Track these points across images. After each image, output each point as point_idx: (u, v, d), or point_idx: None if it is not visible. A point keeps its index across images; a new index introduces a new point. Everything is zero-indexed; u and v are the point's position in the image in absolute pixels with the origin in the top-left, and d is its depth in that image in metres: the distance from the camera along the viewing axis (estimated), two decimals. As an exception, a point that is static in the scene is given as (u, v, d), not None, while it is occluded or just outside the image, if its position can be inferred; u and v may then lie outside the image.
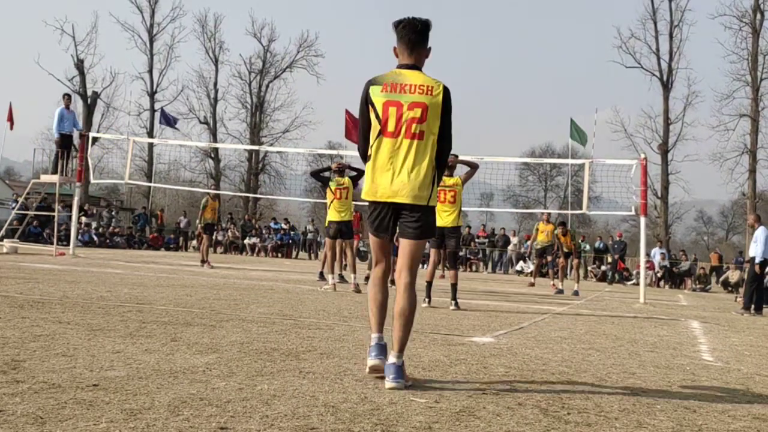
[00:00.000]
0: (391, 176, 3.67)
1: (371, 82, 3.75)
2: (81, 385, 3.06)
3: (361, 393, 3.28)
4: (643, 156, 13.66)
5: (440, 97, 3.68)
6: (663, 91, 37.60)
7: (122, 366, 3.54)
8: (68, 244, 18.19)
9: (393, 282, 4.04)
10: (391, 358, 3.55)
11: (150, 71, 43.80)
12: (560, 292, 14.92)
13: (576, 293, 14.36)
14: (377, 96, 3.71)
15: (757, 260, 12.39)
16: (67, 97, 16.94)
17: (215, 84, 45.84)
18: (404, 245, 3.77)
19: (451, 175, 8.93)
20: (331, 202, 10.62)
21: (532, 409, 3.21)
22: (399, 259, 3.78)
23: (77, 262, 13.70)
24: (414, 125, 3.65)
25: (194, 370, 3.55)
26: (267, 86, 46.59)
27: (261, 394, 3.11)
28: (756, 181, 34.74)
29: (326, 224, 10.98)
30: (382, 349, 3.67)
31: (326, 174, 11.05)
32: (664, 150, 37.08)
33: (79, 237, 23.85)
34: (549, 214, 18.01)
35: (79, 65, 40.77)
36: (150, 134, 41.93)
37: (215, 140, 44.08)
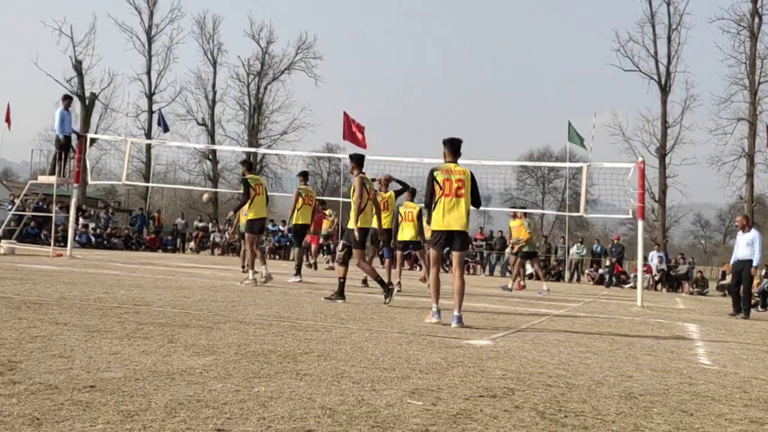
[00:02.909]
0: (448, 216, 6.91)
1: (435, 169, 7.01)
2: (78, 386, 3.06)
3: (359, 395, 3.28)
4: (641, 159, 13.67)
5: (470, 176, 7.04)
6: (661, 95, 37.61)
7: (119, 367, 3.53)
8: (66, 245, 18.15)
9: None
10: (455, 312, 6.69)
11: (148, 72, 43.73)
12: (507, 289, 14.94)
13: (544, 291, 14.43)
14: (439, 176, 6.95)
15: (755, 263, 12.39)
16: (68, 99, 16.89)
17: (213, 85, 45.78)
18: (455, 255, 7.03)
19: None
20: (301, 206, 12.61)
21: (529, 412, 3.21)
22: (454, 261, 7.11)
23: (74, 264, 13.68)
24: (459, 190, 6.93)
25: (191, 371, 3.54)
26: (265, 88, 46.50)
27: (258, 396, 3.11)
28: (753, 184, 34.70)
29: (293, 224, 12.61)
30: (439, 313, 6.85)
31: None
32: (662, 153, 37.10)
33: (77, 238, 23.80)
34: (515, 212, 17.34)
35: (78, 66, 40.69)
36: (148, 135, 41.83)
37: (213, 142, 43.99)
